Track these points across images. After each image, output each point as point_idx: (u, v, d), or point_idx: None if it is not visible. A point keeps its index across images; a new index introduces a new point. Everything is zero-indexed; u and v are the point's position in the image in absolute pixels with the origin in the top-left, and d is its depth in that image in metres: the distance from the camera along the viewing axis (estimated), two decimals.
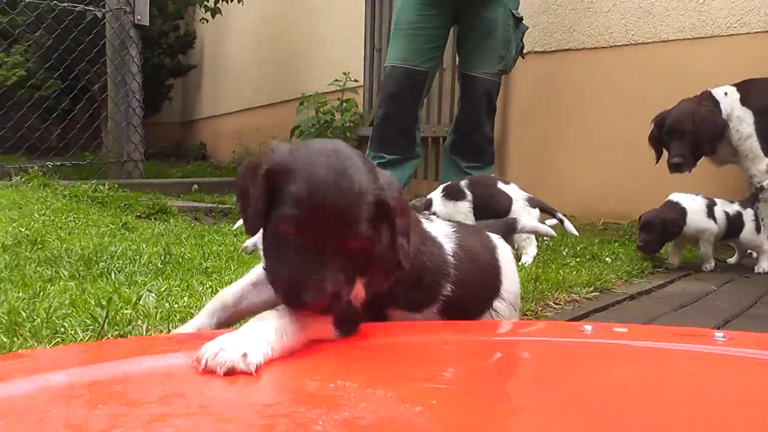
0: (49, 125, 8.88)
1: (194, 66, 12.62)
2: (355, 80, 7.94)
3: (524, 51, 5.16)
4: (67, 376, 1.09)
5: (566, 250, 4.21)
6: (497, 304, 1.98)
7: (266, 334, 1.28)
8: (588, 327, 1.52)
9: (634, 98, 5.33)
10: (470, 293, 1.86)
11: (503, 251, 2.09)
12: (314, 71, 9.11)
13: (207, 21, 10.46)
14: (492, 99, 5.02)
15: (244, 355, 1.18)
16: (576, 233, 3.91)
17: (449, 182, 4.19)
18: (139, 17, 6.59)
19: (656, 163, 4.47)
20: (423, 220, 1.88)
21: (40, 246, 3.71)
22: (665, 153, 4.40)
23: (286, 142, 1.51)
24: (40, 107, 8.30)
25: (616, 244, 4.46)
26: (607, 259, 3.99)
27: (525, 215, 3.80)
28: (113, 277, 2.95)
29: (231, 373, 1.15)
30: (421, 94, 4.97)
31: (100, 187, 5.83)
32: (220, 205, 6.33)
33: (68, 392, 1.04)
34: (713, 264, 4.10)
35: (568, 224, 3.86)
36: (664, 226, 3.97)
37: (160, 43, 11.71)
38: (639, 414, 1.05)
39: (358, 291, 1.53)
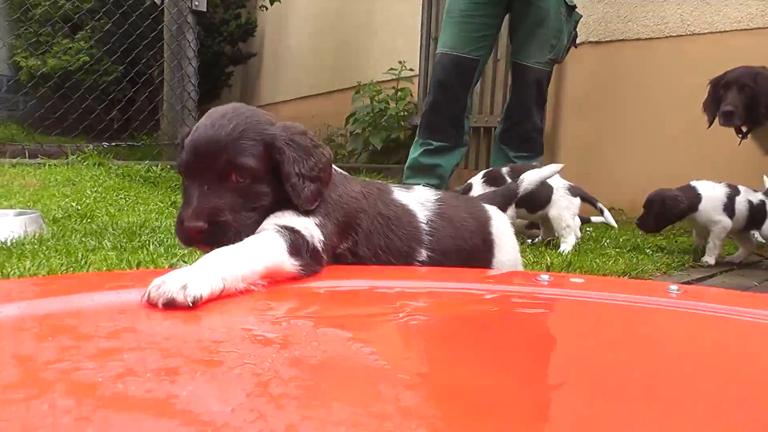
0: (108, 109, 9.12)
1: (254, 54, 12.75)
2: (411, 69, 7.94)
3: (578, 41, 5.10)
4: (18, 309, 1.11)
5: (607, 241, 4.15)
6: None
7: (218, 266, 1.28)
8: (545, 276, 1.52)
9: (689, 91, 5.19)
10: (452, 261, 1.88)
11: (498, 223, 2.11)
12: (371, 60, 9.13)
13: (266, 8, 10.57)
14: (542, 88, 4.98)
15: (184, 287, 1.17)
16: (614, 224, 3.87)
17: (490, 168, 4.18)
18: (196, 3, 6.68)
19: (708, 126, 4.28)
20: (396, 189, 1.93)
21: (89, 220, 3.82)
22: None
23: None
24: (100, 91, 8.48)
25: (660, 237, 4.37)
26: (647, 250, 3.92)
27: (563, 204, 3.77)
28: (152, 248, 3.02)
29: (170, 305, 1.15)
30: (470, 82, 4.95)
31: (153, 167, 5.97)
32: None
33: (18, 324, 1.05)
34: (714, 260, 3.84)
35: (607, 215, 3.83)
36: (662, 206, 3.79)
37: (220, 31, 11.88)
38: (580, 362, 1.06)
39: (312, 231, 1.57)
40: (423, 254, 1.82)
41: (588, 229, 4.52)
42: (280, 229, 1.52)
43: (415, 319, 1.23)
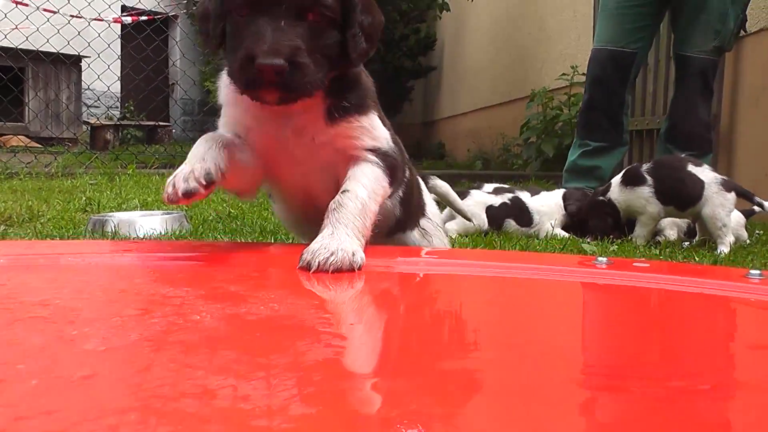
0: None
1: (434, 67, 12.87)
2: (583, 74, 7.66)
3: (757, 26, 4.69)
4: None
5: None
6: (424, 221, 1.96)
7: (356, 229, 1.38)
8: (603, 259, 1.37)
9: None
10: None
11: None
12: (544, 67, 8.97)
13: (440, 17, 10.72)
14: (707, 80, 4.60)
15: (353, 254, 1.28)
16: None
17: (630, 166, 3.92)
18: None
19: None
20: None
21: (238, 221, 3.98)
22: None
23: None
24: None
25: None
26: None
27: (716, 201, 3.44)
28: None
29: (339, 271, 1.25)
30: (627, 78, 4.69)
31: None
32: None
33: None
34: None
35: None
36: None
37: (400, 46, 12.09)
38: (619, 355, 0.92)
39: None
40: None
41: (758, 231, 4.11)
42: (377, 159, 1.52)
43: (427, 300, 1.18)
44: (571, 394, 0.72)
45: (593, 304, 1.25)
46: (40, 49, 7.66)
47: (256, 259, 1.38)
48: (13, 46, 7.65)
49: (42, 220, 3.72)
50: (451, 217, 3.94)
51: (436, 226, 1.98)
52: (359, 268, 1.27)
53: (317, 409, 0.62)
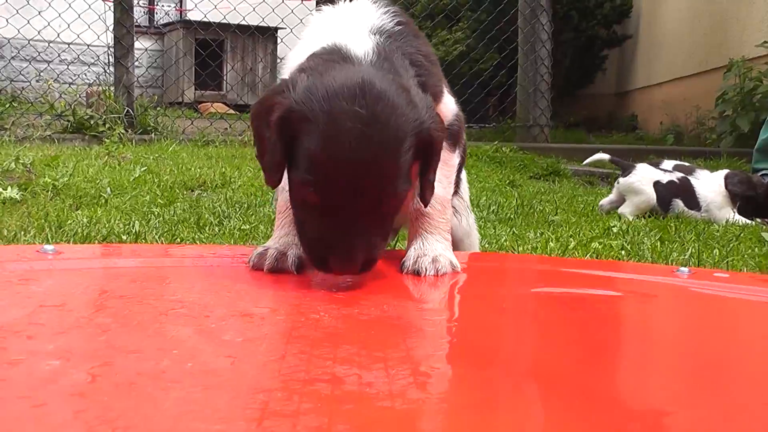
0: (486, 96, 9.69)
1: (629, 36, 12.46)
2: None
3: None
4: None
5: None
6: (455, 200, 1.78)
7: (444, 234, 1.50)
8: (684, 269, 1.43)
9: None
10: None
11: None
12: (745, 34, 8.49)
13: None
14: None
15: (454, 265, 1.43)
16: None
17: None
18: None
19: None
20: None
21: None
22: None
23: (307, 73, 1.29)
24: (471, 77, 9.06)
25: None
26: None
27: None
28: None
29: (444, 274, 1.40)
30: None
31: (502, 148, 6.29)
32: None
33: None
34: None
35: None
36: None
37: (594, 14, 11.82)
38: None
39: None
40: None
41: None
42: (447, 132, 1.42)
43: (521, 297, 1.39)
44: None
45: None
46: (238, 23, 8.35)
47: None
48: (213, 21, 8.43)
49: (233, 187, 4.07)
50: (621, 201, 4.00)
51: (466, 207, 1.88)
52: (459, 270, 1.44)
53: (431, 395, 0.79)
